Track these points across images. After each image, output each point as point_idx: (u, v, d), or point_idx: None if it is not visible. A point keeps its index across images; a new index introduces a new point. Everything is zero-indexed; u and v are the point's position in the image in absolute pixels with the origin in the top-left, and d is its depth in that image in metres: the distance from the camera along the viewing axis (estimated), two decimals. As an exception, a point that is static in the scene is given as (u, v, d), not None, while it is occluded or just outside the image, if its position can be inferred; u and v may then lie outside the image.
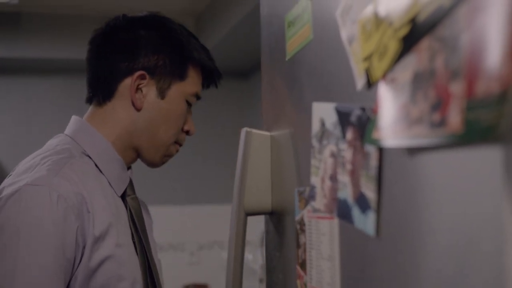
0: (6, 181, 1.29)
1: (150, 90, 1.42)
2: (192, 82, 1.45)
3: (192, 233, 4.27)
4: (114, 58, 1.44)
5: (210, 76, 1.49)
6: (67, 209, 1.23)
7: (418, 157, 0.64)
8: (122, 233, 1.32)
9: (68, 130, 1.44)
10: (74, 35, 3.91)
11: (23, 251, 1.19)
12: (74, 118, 1.47)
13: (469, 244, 0.56)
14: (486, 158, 0.54)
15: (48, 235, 1.20)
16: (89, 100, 1.48)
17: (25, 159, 1.37)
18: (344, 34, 0.80)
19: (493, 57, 0.51)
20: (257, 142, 1.09)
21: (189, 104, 1.46)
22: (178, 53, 1.44)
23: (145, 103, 1.41)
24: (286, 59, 1.03)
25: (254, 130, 1.10)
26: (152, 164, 1.48)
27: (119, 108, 1.42)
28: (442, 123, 0.58)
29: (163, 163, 1.49)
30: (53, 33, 3.89)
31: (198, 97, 1.48)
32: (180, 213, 4.10)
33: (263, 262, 3.44)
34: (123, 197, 1.40)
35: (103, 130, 1.41)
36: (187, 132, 1.49)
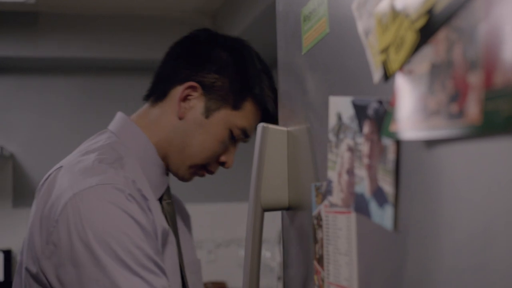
0: (61, 180, 1.28)
1: (197, 105, 1.41)
2: (244, 116, 1.43)
3: (210, 231, 4.27)
4: (179, 62, 1.45)
5: (267, 120, 1.39)
6: (140, 205, 1.25)
7: (435, 150, 0.63)
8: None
9: (113, 126, 1.44)
10: (90, 34, 3.93)
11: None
12: (119, 115, 1.47)
13: (488, 238, 0.56)
14: (505, 149, 0.53)
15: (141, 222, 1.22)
16: (147, 97, 1.48)
17: (73, 155, 1.35)
18: (360, 27, 0.79)
19: (511, 47, 0.51)
20: (273, 137, 1.09)
21: (233, 137, 1.44)
22: (240, 82, 1.42)
23: (188, 114, 1.41)
24: (302, 53, 1.02)
25: (270, 126, 1.10)
26: (177, 176, 1.47)
27: (166, 112, 1.42)
28: (460, 114, 0.57)
29: (190, 178, 1.48)
30: (69, 32, 3.91)
31: (246, 134, 1.45)
32: (198, 211, 4.08)
33: (281, 259, 3.44)
34: (159, 200, 1.40)
35: (148, 131, 1.42)
36: (223, 164, 1.48)
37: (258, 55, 1.48)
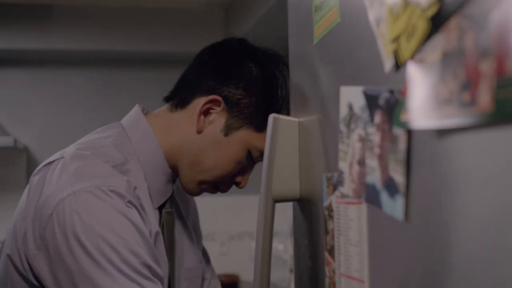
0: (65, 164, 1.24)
1: (218, 120, 1.34)
2: (265, 139, 1.34)
3: (222, 224, 4.27)
4: (206, 72, 1.37)
5: None
6: (139, 211, 1.21)
7: (447, 139, 0.63)
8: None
9: (126, 122, 1.38)
10: (104, 26, 3.93)
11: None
12: (135, 110, 1.40)
13: (501, 227, 0.55)
14: (517, 137, 0.52)
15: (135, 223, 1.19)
16: (167, 99, 1.42)
17: (79, 147, 1.30)
18: (371, 16, 0.79)
19: (524, 33, 0.50)
20: (285, 128, 1.08)
21: (252, 159, 1.37)
22: (267, 102, 1.34)
23: (207, 129, 1.34)
24: (314, 43, 1.02)
25: (282, 116, 1.09)
26: (185, 190, 1.41)
27: (184, 121, 1.36)
28: (472, 102, 0.56)
29: (199, 194, 1.42)
30: (83, 25, 3.92)
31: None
32: (211, 204, 4.10)
33: (293, 252, 3.44)
34: (159, 208, 1.36)
35: (161, 136, 1.35)
36: (237, 184, 1.42)
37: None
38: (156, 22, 3.93)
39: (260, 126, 1.34)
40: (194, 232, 1.54)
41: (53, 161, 1.27)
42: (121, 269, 1.13)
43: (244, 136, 1.34)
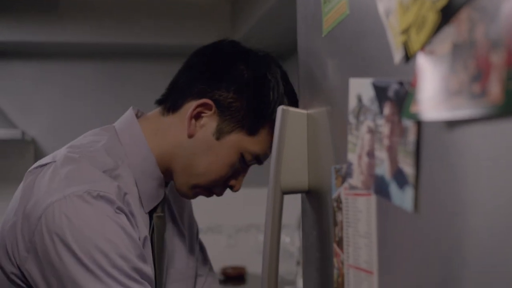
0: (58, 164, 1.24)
1: (209, 124, 1.33)
2: (258, 142, 1.33)
3: (230, 216, 4.28)
4: (196, 75, 1.36)
5: None
6: (128, 218, 1.21)
7: (457, 130, 0.63)
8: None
9: (119, 125, 1.37)
10: (113, 19, 3.93)
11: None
12: (129, 113, 1.39)
13: (510, 219, 0.55)
14: (527, 128, 0.52)
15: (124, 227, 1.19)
16: (159, 102, 1.40)
17: (71, 150, 1.29)
18: (381, 8, 0.79)
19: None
20: (293, 120, 1.09)
21: (245, 162, 1.35)
22: (259, 106, 1.32)
23: (199, 133, 1.33)
24: (323, 35, 1.02)
25: (290, 108, 1.09)
26: (179, 193, 1.40)
27: (175, 126, 1.34)
28: (482, 94, 0.56)
29: (193, 197, 1.42)
30: (90, 17, 3.92)
31: (258, 160, 1.36)
32: (218, 196, 4.12)
33: (300, 244, 3.44)
34: (149, 212, 1.35)
35: (153, 140, 1.34)
36: (231, 187, 1.40)
37: (284, 75, 1.37)
38: (163, 15, 3.93)
39: (252, 130, 1.33)
40: (189, 231, 1.53)
41: (45, 164, 1.27)
42: (110, 274, 1.13)
43: (236, 139, 1.33)
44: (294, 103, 1.33)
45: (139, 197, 1.31)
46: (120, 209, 1.19)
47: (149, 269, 1.20)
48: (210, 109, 1.32)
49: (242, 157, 1.34)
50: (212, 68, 1.36)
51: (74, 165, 1.23)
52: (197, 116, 1.33)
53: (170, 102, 1.37)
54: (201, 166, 1.33)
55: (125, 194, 1.23)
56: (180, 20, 3.88)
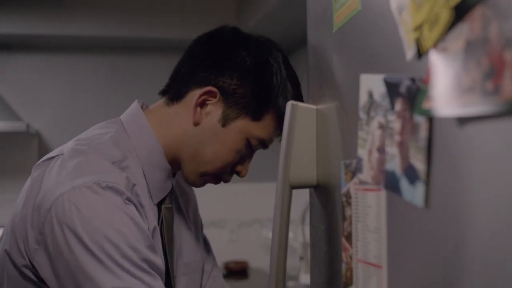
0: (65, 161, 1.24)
1: (214, 111, 1.34)
2: (263, 127, 1.35)
3: (232, 211, 4.29)
4: (199, 63, 1.37)
5: None
6: (137, 208, 1.22)
7: (469, 127, 0.63)
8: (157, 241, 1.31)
9: (125, 118, 1.38)
10: (115, 12, 3.94)
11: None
12: (134, 106, 1.40)
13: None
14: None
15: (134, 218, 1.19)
16: (163, 93, 1.42)
17: (78, 143, 1.29)
18: (393, 4, 0.79)
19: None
20: (302, 115, 1.09)
21: (251, 147, 1.37)
22: (263, 91, 1.34)
23: (204, 121, 1.34)
24: (333, 31, 1.02)
25: (300, 103, 1.10)
26: (188, 182, 1.42)
27: (180, 115, 1.36)
28: (495, 91, 0.57)
29: (201, 185, 1.42)
30: (97, 11, 3.92)
31: (264, 144, 1.38)
32: (221, 191, 4.11)
33: (304, 240, 3.45)
34: (158, 204, 1.36)
35: (159, 131, 1.35)
36: (238, 173, 1.41)
37: (286, 60, 1.38)
38: (168, 9, 3.93)
39: (257, 115, 1.34)
40: (193, 225, 1.54)
41: (53, 157, 1.27)
42: (121, 264, 1.13)
43: (241, 125, 1.34)
44: (296, 86, 1.36)
45: (148, 188, 1.32)
46: (129, 199, 1.20)
47: (159, 260, 1.20)
48: (215, 97, 1.33)
49: (248, 142, 1.36)
50: (214, 56, 1.37)
51: (82, 157, 1.24)
52: (202, 104, 1.34)
53: (173, 92, 1.38)
54: (209, 154, 1.35)
55: (134, 185, 1.23)
56: (185, 14, 3.89)
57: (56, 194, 1.17)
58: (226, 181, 1.42)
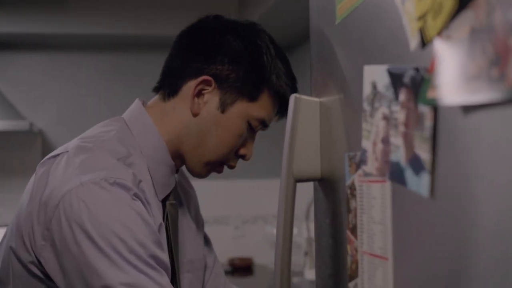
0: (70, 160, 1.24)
1: (212, 99, 1.35)
2: (261, 107, 1.37)
3: (236, 207, 4.29)
4: (190, 55, 1.38)
5: (286, 108, 1.34)
6: (144, 204, 1.22)
7: (474, 115, 0.63)
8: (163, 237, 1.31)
9: (128, 116, 1.39)
10: (119, 10, 3.94)
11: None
12: (136, 104, 1.41)
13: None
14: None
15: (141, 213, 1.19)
16: (156, 90, 1.42)
17: (83, 140, 1.30)
18: (396, -6, 0.79)
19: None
20: (306, 108, 1.09)
21: (252, 128, 1.38)
22: (255, 72, 1.36)
23: (203, 110, 1.35)
24: (336, 23, 1.02)
25: (303, 96, 1.09)
26: (193, 173, 1.42)
27: (178, 108, 1.36)
28: (501, 78, 0.56)
29: (206, 175, 1.43)
30: (101, 8, 3.92)
31: (264, 124, 1.39)
32: (225, 187, 4.13)
33: (308, 235, 3.45)
34: (163, 200, 1.37)
35: (160, 127, 1.36)
36: (242, 157, 1.42)
37: (272, 40, 1.40)
38: (171, 6, 3.93)
39: (254, 96, 1.36)
40: (195, 223, 1.55)
41: (58, 155, 1.27)
42: (128, 259, 1.13)
43: (240, 108, 1.35)
44: (286, 63, 1.39)
45: (153, 184, 1.33)
46: (136, 195, 1.20)
47: (165, 256, 1.20)
48: (210, 85, 1.35)
49: (248, 124, 1.37)
50: (204, 46, 1.38)
51: (88, 153, 1.24)
52: (198, 94, 1.35)
53: (168, 87, 1.39)
54: (212, 142, 1.36)
55: (140, 181, 1.23)
56: (187, 11, 3.88)
57: (64, 190, 1.17)
58: (232, 167, 1.43)
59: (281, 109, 1.40)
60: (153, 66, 4.08)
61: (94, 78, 4.20)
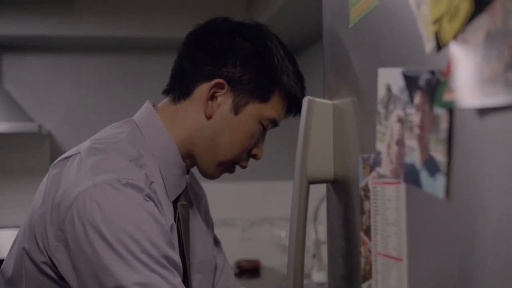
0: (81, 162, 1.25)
1: (225, 102, 1.36)
2: (272, 107, 1.38)
3: (244, 209, 4.30)
4: (201, 58, 1.38)
5: (296, 107, 1.41)
6: (156, 205, 1.23)
7: (490, 119, 0.64)
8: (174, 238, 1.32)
9: (138, 118, 1.40)
10: (126, 13, 3.95)
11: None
12: (146, 106, 1.42)
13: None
14: None
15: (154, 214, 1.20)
16: (166, 92, 1.43)
17: (94, 142, 1.30)
18: (412, -2, 0.80)
19: None
20: (319, 110, 1.10)
21: (264, 128, 1.40)
22: (267, 73, 1.37)
23: (217, 113, 1.36)
24: (350, 26, 1.03)
25: (316, 99, 1.10)
26: (205, 175, 1.43)
27: (190, 111, 1.37)
28: (518, 81, 0.57)
29: (219, 176, 1.44)
30: (108, 11, 3.94)
31: (275, 123, 1.41)
32: (233, 190, 4.13)
33: (316, 237, 3.45)
34: (174, 201, 1.38)
35: (171, 129, 1.37)
36: (254, 156, 1.44)
37: (279, 40, 1.41)
38: (178, 8, 3.95)
39: (266, 97, 1.37)
40: (205, 224, 1.56)
41: (70, 156, 1.28)
42: (141, 259, 1.14)
43: (253, 110, 1.37)
44: (293, 62, 1.41)
45: (164, 186, 1.34)
46: (149, 196, 1.21)
47: (177, 257, 1.21)
48: (223, 88, 1.36)
49: (261, 125, 1.39)
50: (214, 48, 1.39)
51: (100, 155, 1.25)
52: (212, 97, 1.36)
53: (179, 90, 1.40)
54: (225, 143, 1.37)
55: (152, 182, 1.24)
56: (195, 14, 3.89)
57: (77, 191, 1.18)
58: (244, 166, 1.44)
59: (290, 108, 1.42)
60: (162, 68, 4.12)
61: (102, 80, 4.22)
